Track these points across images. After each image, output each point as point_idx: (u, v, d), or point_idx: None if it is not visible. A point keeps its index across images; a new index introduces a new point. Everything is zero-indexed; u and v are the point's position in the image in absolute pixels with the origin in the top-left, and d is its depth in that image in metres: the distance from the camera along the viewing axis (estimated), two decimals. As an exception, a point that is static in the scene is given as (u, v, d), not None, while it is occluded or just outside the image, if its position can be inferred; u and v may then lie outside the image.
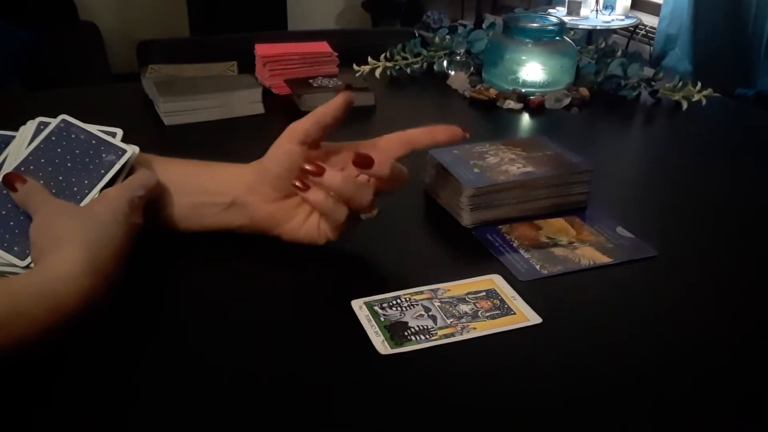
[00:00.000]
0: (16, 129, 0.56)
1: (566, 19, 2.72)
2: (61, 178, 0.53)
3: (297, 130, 0.55)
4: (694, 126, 0.95)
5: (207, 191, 0.57)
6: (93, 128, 0.56)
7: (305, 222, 0.57)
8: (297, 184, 0.53)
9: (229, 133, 0.88)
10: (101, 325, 0.49)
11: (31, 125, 0.56)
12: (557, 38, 1.01)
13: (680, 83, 1.01)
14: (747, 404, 0.44)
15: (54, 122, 0.55)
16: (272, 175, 0.55)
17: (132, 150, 0.56)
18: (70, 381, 0.44)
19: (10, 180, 0.51)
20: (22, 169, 0.53)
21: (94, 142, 0.55)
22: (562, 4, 3.41)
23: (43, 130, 0.55)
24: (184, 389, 0.43)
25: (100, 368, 0.45)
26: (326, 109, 0.56)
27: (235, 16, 3.27)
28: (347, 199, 0.53)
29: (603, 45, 1.11)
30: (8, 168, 0.53)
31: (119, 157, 0.55)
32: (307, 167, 0.53)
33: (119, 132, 0.57)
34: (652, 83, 1.01)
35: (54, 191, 0.52)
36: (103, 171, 0.54)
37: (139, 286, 0.53)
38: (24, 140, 0.55)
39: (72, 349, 0.46)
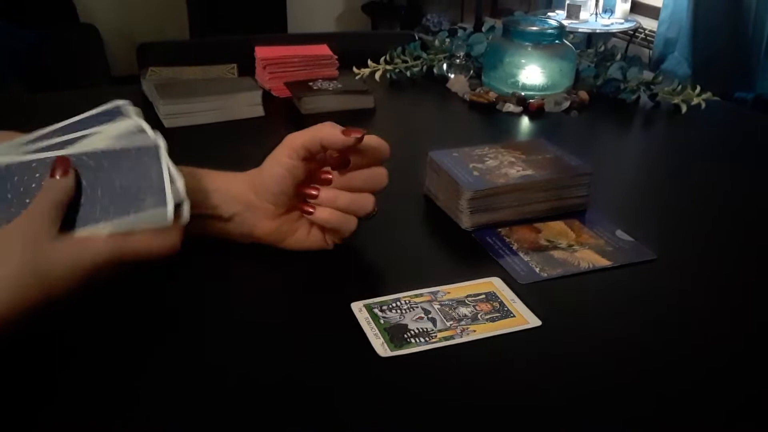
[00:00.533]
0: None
1: (566, 22, 2.73)
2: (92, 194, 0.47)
3: (297, 146, 0.53)
4: (693, 129, 0.96)
5: (207, 206, 0.56)
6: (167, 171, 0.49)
7: (310, 232, 0.57)
8: (305, 209, 0.54)
9: (229, 136, 0.88)
10: (105, 326, 0.49)
11: (128, 123, 0.51)
12: (557, 42, 1.01)
13: (679, 87, 1.01)
14: (747, 405, 0.44)
15: (148, 139, 0.50)
16: (273, 193, 0.55)
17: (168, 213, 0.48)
18: (74, 380, 0.44)
19: (60, 165, 0.47)
20: (83, 160, 0.47)
21: (151, 182, 0.48)
22: (561, 7, 3.41)
23: (135, 134, 0.50)
24: (184, 391, 0.43)
25: (102, 370, 0.45)
26: (334, 137, 0.53)
27: (235, 19, 3.28)
28: (353, 211, 0.54)
29: (602, 48, 1.12)
30: (75, 150, 0.48)
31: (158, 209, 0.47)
32: (309, 191, 0.53)
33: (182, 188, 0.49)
34: (652, 87, 1.02)
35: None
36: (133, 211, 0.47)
37: (138, 287, 0.53)
38: (108, 135, 0.50)
39: (76, 349, 0.46)
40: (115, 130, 0.50)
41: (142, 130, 0.51)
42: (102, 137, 0.50)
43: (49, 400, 0.42)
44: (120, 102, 0.53)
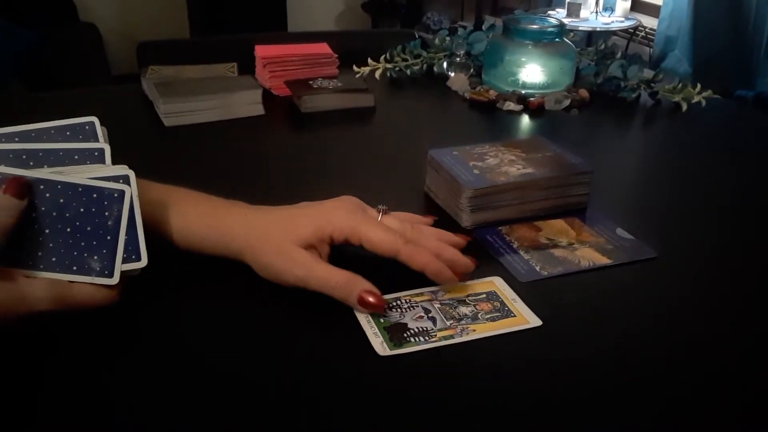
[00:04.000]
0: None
1: (566, 20, 2.72)
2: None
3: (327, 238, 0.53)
4: (693, 127, 0.95)
5: (218, 245, 0.54)
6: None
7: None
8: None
9: (229, 135, 0.88)
10: (102, 323, 0.49)
11: (106, 168, 0.48)
12: (557, 40, 1.01)
13: (680, 85, 1.01)
14: (749, 406, 0.44)
15: (118, 186, 0.47)
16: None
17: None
18: (66, 378, 0.44)
19: (17, 185, 0.43)
20: (41, 187, 0.44)
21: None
22: (561, 5, 3.41)
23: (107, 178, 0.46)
24: (183, 391, 0.43)
25: (103, 368, 0.45)
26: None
27: (235, 18, 3.28)
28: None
29: (603, 47, 1.12)
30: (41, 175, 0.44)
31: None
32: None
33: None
34: (652, 85, 1.02)
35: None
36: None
37: (137, 286, 0.53)
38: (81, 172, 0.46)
39: (65, 347, 0.46)
40: (89, 170, 0.47)
41: (116, 177, 0.47)
42: (75, 171, 0.47)
43: (34, 398, 0.42)
44: (92, 120, 0.50)
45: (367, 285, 0.50)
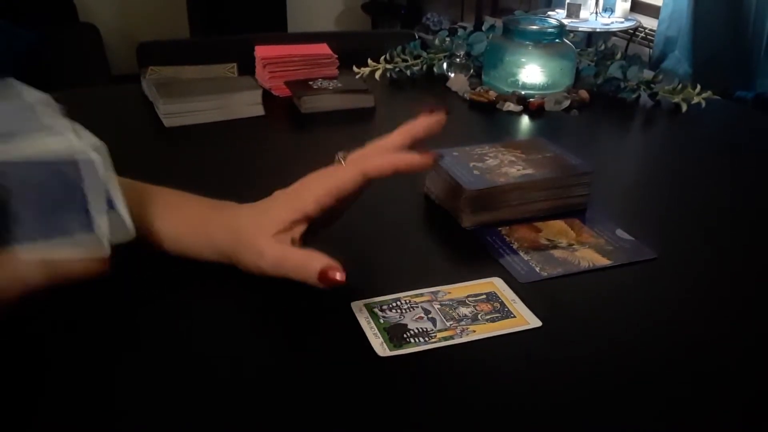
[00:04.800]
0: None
1: (566, 21, 2.73)
2: None
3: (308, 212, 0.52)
4: (693, 128, 0.96)
5: (206, 250, 0.54)
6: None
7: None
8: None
9: (229, 135, 0.88)
10: (101, 319, 0.49)
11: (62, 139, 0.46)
12: (557, 41, 1.01)
13: (680, 85, 1.01)
14: (749, 406, 0.44)
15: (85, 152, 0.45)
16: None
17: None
18: (62, 377, 0.44)
19: None
20: None
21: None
22: (561, 6, 3.41)
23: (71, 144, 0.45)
24: (183, 390, 0.43)
25: (103, 369, 0.45)
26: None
27: (235, 18, 3.28)
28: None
29: (602, 47, 1.12)
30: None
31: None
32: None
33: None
34: (652, 86, 1.02)
35: None
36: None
37: (138, 286, 0.53)
38: (40, 143, 0.45)
39: (64, 347, 0.46)
40: (47, 142, 0.45)
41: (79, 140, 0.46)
42: (32, 143, 0.45)
43: (36, 394, 0.42)
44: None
45: (324, 261, 0.49)
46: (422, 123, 0.54)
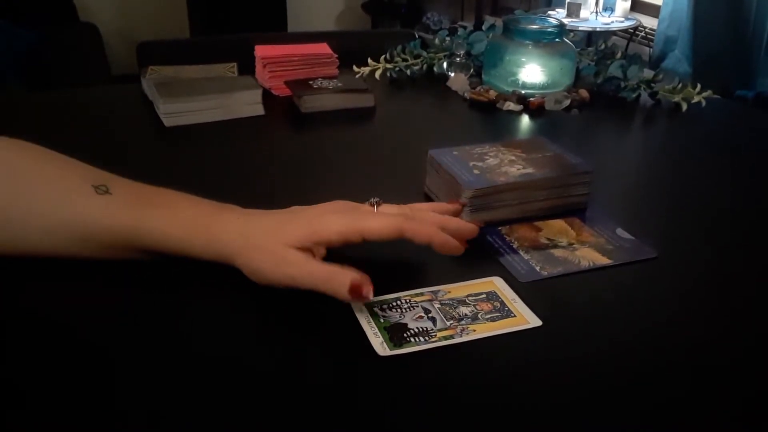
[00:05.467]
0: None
1: (566, 20, 2.73)
2: None
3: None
4: (693, 128, 0.95)
5: (207, 250, 0.54)
6: None
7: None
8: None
9: (229, 135, 0.88)
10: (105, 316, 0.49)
11: None
12: (557, 40, 1.01)
13: (680, 85, 1.01)
14: (749, 405, 0.44)
15: None
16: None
17: None
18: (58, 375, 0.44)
19: None
20: None
21: None
22: (561, 5, 3.41)
23: None
24: (183, 391, 0.43)
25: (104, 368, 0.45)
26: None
27: (235, 18, 3.28)
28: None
29: (603, 47, 1.12)
30: None
31: None
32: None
33: None
34: (652, 85, 1.02)
35: None
36: None
37: (138, 286, 0.53)
38: None
39: (64, 347, 0.46)
40: None
41: None
42: None
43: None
44: None
45: (356, 274, 0.49)
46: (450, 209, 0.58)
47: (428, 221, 0.53)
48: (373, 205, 0.55)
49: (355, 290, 0.48)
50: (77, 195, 0.53)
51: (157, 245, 0.53)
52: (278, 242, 0.51)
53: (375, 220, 0.52)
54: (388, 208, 0.55)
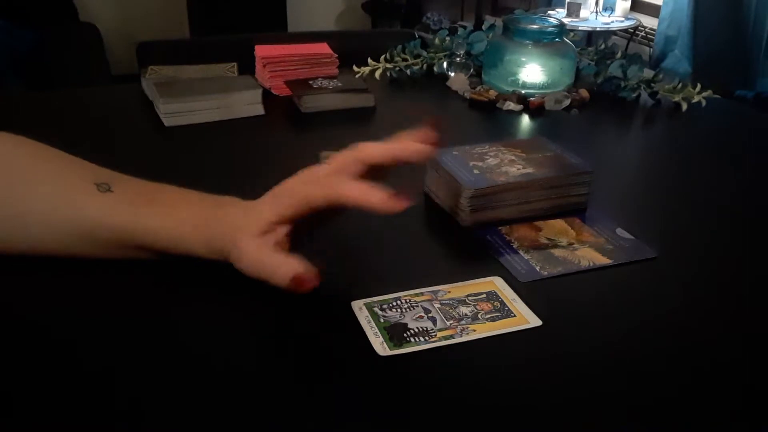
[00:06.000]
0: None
1: (566, 20, 2.72)
2: None
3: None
4: (693, 127, 0.95)
5: (207, 247, 0.53)
6: None
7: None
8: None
9: (229, 134, 0.88)
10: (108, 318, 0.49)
11: None
12: (557, 40, 1.01)
13: (680, 84, 1.01)
14: (749, 405, 0.44)
15: None
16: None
17: None
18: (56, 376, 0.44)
19: None
20: None
21: None
22: (561, 5, 3.41)
23: None
24: (183, 391, 0.43)
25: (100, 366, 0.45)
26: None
27: (235, 18, 3.28)
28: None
29: (603, 46, 1.12)
30: None
31: None
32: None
33: None
34: (652, 85, 1.02)
35: None
36: None
37: (138, 286, 0.53)
38: None
39: (64, 347, 0.46)
40: None
41: None
42: None
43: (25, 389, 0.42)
44: None
45: (299, 268, 0.48)
46: (410, 149, 0.52)
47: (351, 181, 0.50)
48: (324, 161, 0.52)
49: (298, 283, 0.48)
50: (79, 192, 0.53)
51: (157, 243, 0.53)
52: (243, 234, 0.51)
53: (311, 192, 0.50)
54: (336, 159, 0.51)
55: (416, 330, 0.49)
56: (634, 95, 1.01)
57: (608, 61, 1.05)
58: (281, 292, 0.51)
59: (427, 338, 0.48)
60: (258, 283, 0.52)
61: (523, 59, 1.00)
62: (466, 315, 0.51)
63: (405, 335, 0.48)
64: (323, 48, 1.07)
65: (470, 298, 0.53)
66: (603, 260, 0.58)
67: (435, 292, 0.53)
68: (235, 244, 0.51)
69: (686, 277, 0.58)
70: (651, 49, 3.28)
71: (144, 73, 1.00)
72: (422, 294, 0.53)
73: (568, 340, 0.49)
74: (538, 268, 0.57)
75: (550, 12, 3.36)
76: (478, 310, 0.51)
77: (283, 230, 0.51)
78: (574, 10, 3.28)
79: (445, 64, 1.10)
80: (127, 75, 1.88)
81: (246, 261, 0.50)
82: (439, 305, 0.52)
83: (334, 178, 0.50)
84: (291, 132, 0.92)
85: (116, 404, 0.42)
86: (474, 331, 0.49)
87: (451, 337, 0.48)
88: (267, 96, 0.96)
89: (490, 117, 0.96)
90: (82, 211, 0.53)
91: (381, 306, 0.51)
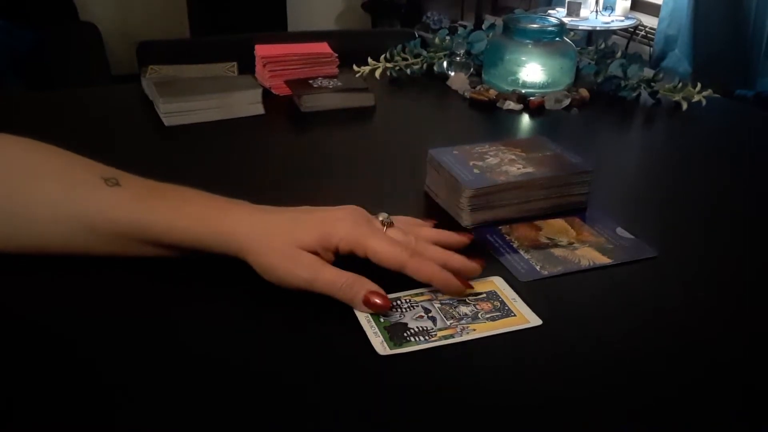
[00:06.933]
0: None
1: (566, 20, 2.73)
2: None
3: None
4: (693, 127, 0.95)
5: (218, 243, 0.53)
6: None
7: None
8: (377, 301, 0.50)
9: (229, 134, 0.88)
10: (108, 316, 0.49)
11: None
12: (557, 39, 1.01)
13: (680, 84, 1.01)
14: (749, 404, 0.44)
15: None
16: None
17: None
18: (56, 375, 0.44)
19: None
20: None
21: None
22: (561, 5, 3.41)
23: None
24: (183, 391, 0.43)
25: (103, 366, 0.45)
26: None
27: (235, 17, 3.28)
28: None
29: (603, 46, 1.12)
30: None
31: None
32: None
33: None
34: (652, 84, 1.02)
35: None
36: None
37: (137, 285, 0.53)
38: None
39: (64, 347, 0.46)
40: None
41: None
42: None
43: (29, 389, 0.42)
44: None
45: (372, 286, 0.50)
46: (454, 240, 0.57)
47: (431, 257, 0.53)
48: (385, 225, 0.55)
49: (370, 302, 0.49)
50: (86, 186, 0.53)
51: (166, 237, 0.53)
52: (289, 242, 0.51)
53: (382, 244, 0.52)
54: (395, 233, 0.55)
55: (416, 329, 0.49)
56: (634, 95, 1.01)
57: (608, 61, 1.05)
58: (281, 291, 0.51)
59: (427, 338, 0.48)
60: (258, 283, 0.52)
61: (523, 59, 1.00)
62: (466, 314, 0.51)
63: (405, 335, 0.48)
64: (323, 47, 1.07)
65: (470, 297, 0.53)
66: (603, 260, 0.58)
67: (435, 292, 0.53)
68: (278, 250, 0.51)
69: (686, 277, 0.58)
70: (651, 49, 3.28)
71: (144, 72, 1.00)
72: (422, 294, 0.53)
73: (568, 339, 0.49)
74: (538, 268, 0.57)
75: (550, 11, 3.36)
76: (478, 309, 0.51)
77: (330, 257, 0.52)
78: (574, 10, 3.28)
79: (445, 64, 1.10)
80: (127, 75, 1.88)
81: (310, 274, 0.50)
82: (439, 305, 0.52)
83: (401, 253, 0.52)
84: (291, 131, 0.92)
85: (116, 404, 0.42)
86: (474, 330, 0.49)
87: (451, 336, 0.48)
88: (267, 95, 0.96)
89: (490, 116, 0.96)
90: (89, 203, 0.53)
91: (381, 305, 0.51)
